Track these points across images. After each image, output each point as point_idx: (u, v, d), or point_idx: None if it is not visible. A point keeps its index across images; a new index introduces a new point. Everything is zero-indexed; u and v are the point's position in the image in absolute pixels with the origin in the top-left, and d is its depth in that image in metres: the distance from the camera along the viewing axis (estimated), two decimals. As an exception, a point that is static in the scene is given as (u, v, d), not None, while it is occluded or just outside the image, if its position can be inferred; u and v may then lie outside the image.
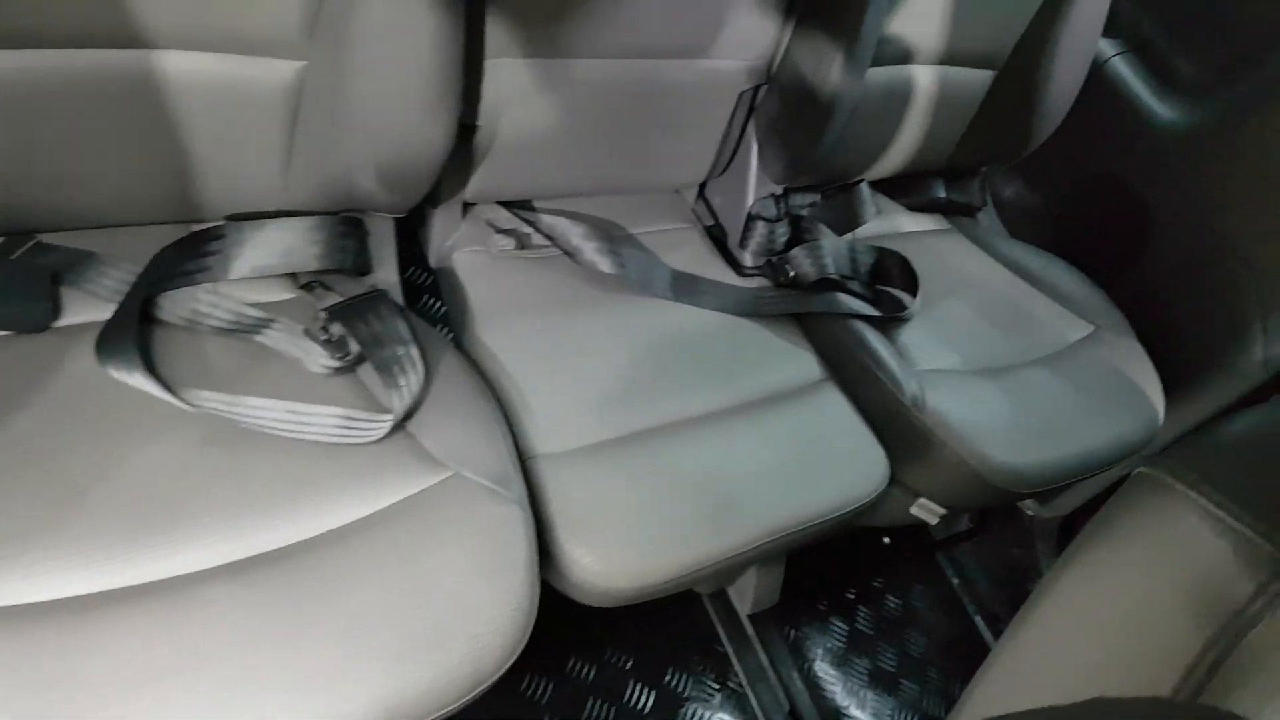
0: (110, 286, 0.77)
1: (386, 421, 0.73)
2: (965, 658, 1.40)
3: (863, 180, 1.27)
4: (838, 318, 1.08)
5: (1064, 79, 1.21)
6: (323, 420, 0.71)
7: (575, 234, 1.04)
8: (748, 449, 0.90)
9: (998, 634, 0.97)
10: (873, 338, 1.05)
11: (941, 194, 1.40)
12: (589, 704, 1.15)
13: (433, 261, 1.07)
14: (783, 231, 1.19)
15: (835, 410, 1.00)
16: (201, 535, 0.63)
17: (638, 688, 1.19)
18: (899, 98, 1.16)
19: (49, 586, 0.58)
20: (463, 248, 1.04)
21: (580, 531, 0.78)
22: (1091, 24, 1.18)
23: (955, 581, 1.56)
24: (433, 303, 1.06)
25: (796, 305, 1.11)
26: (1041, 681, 0.70)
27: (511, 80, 0.92)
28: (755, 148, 1.17)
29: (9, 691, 0.52)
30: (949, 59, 1.16)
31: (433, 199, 1.02)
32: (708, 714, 1.20)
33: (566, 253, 1.05)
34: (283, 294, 0.85)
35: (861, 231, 1.25)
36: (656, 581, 0.79)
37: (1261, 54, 1.18)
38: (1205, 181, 1.25)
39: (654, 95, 1.03)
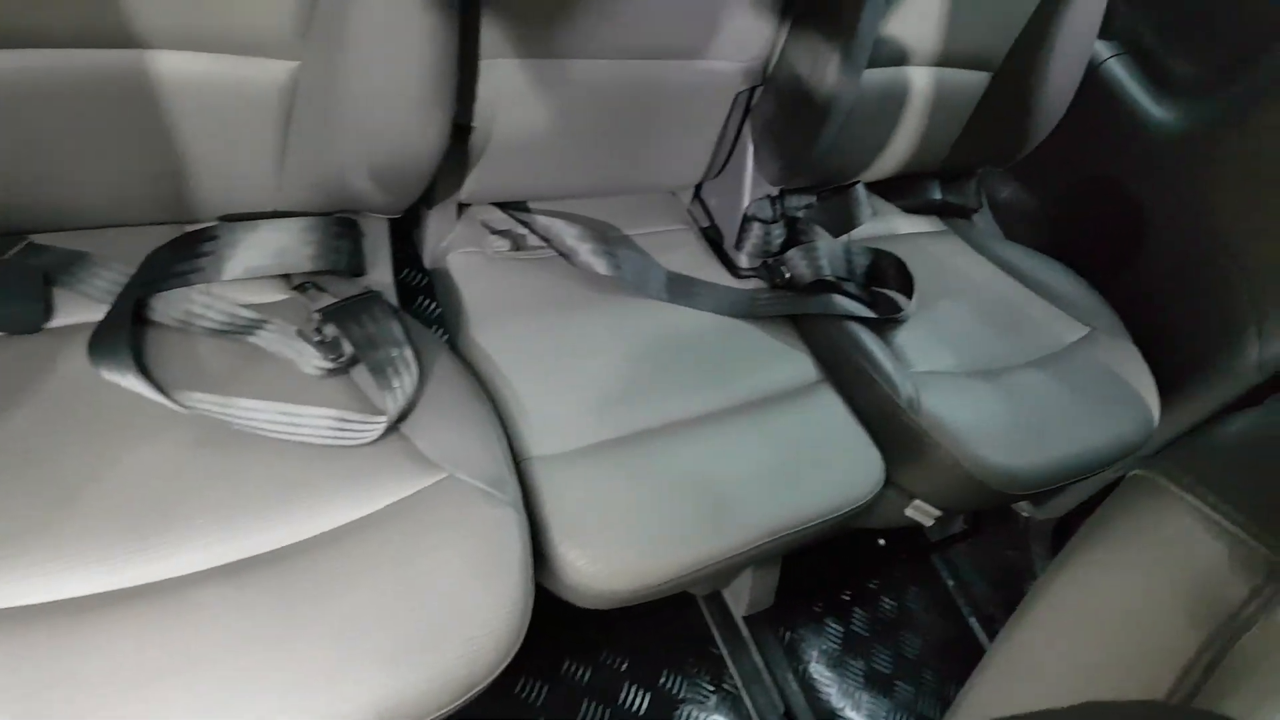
0: (103, 287, 0.76)
1: (380, 423, 0.72)
2: (960, 659, 1.40)
3: (858, 182, 1.27)
4: (833, 319, 1.08)
5: (1060, 81, 1.21)
6: (316, 422, 0.71)
7: (570, 235, 1.04)
8: (743, 451, 0.90)
9: (993, 635, 0.97)
10: (868, 339, 1.05)
11: (937, 196, 1.41)
12: (584, 706, 1.15)
13: (427, 263, 1.07)
14: (778, 233, 1.19)
15: (830, 412, 1.00)
16: (195, 537, 0.63)
17: (633, 690, 1.18)
18: (895, 99, 1.16)
19: (45, 589, 0.58)
20: (457, 249, 1.04)
21: (575, 533, 0.78)
22: (1087, 26, 1.19)
23: (950, 583, 1.56)
24: (427, 304, 1.06)
25: (792, 307, 1.11)
26: (1037, 683, 0.70)
27: (506, 81, 0.91)
28: (751, 149, 1.17)
29: (8, 692, 0.52)
30: (945, 61, 1.16)
31: (427, 200, 1.02)
32: (702, 716, 1.20)
33: (562, 254, 1.05)
34: (276, 295, 0.85)
35: (857, 233, 1.25)
36: (651, 584, 0.79)
37: (1256, 55, 1.18)
38: (1200, 183, 1.25)
39: (650, 96, 1.03)
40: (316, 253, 0.86)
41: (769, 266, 1.17)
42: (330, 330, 0.79)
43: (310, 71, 0.77)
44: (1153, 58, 1.33)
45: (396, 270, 0.95)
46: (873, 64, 1.05)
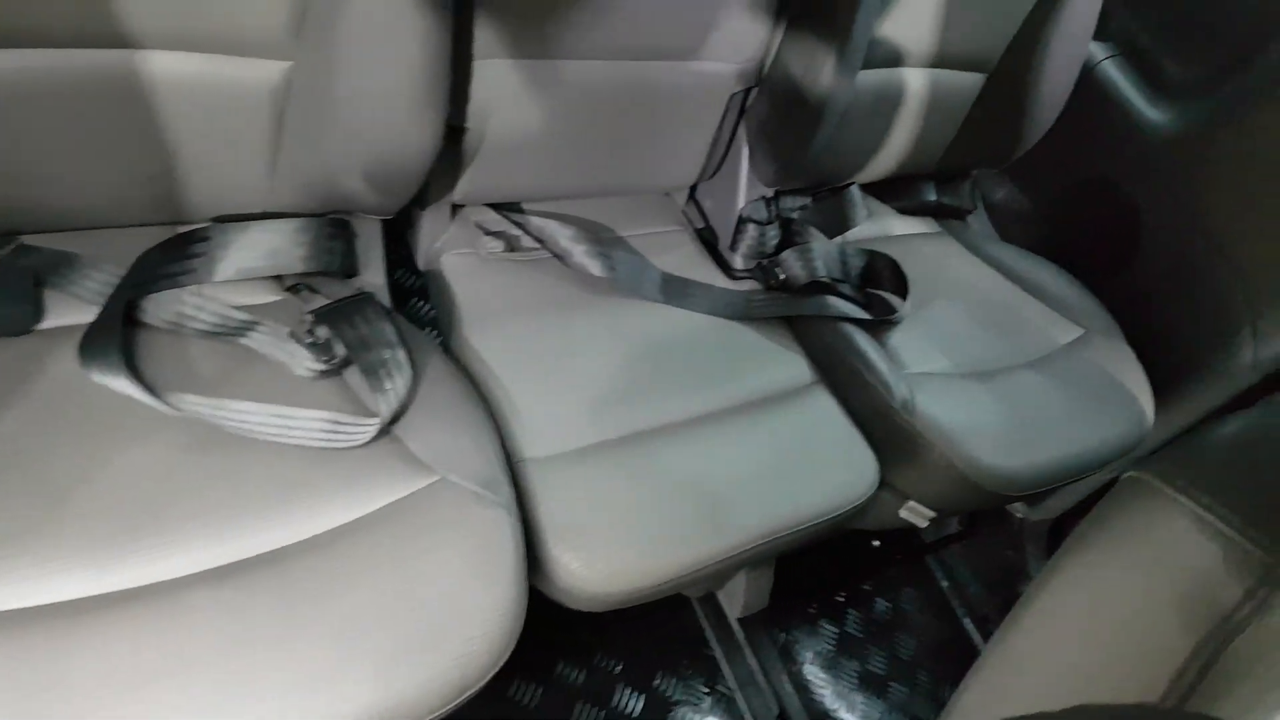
0: (93, 289, 0.76)
1: (373, 425, 0.72)
2: (955, 660, 1.40)
3: (853, 183, 1.27)
4: (828, 321, 1.08)
5: (1055, 82, 1.21)
6: (308, 424, 0.70)
7: (565, 236, 1.04)
8: (737, 452, 0.90)
9: (987, 636, 0.98)
10: (863, 341, 1.05)
11: (932, 197, 1.41)
12: (577, 708, 1.14)
13: (421, 264, 1.07)
14: (773, 234, 1.19)
15: (825, 413, 1.00)
16: (189, 539, 0.63)
17: (626, 692, 1.18)
18: (890, 101, 1.16)
19: (39, 591, 0.58)
20: (451, 250, 1.04)
21: (568, 536, 0.77)
22: (1082, 27, 1.19)
23: (945, 584, 1.56)
24: (421, 305, 1.06)
25: (787, 308, 1.11)
26: (1031, 684, 0.70)
27: (500, 81, 0.91)
28: (746, 150, 1.17)
29: (3, 695, 0.52)
30: (940, 62, 1.16)
31: (421, 201, 1.01)
32: (697, 718, 1.20)
33: (556, 255, 1.05)
34: (268, 296, 0.85)
35: (852, 234, 1.25)
36: (645, 586, 0.79)
37: (1250, 56, 1.19)
38: (1195, 184, 1.26)
39: (644, 97, 1.03)
40: (309, 254, 0.85)
41: (764, 268, 1.17)
42: (323, 332, 0.79)
43: (303, 72, 0.76)
44: (1147, 59, 1.33)
45: (390, 271, 0.95)
46: (867, 65, 1.05)
